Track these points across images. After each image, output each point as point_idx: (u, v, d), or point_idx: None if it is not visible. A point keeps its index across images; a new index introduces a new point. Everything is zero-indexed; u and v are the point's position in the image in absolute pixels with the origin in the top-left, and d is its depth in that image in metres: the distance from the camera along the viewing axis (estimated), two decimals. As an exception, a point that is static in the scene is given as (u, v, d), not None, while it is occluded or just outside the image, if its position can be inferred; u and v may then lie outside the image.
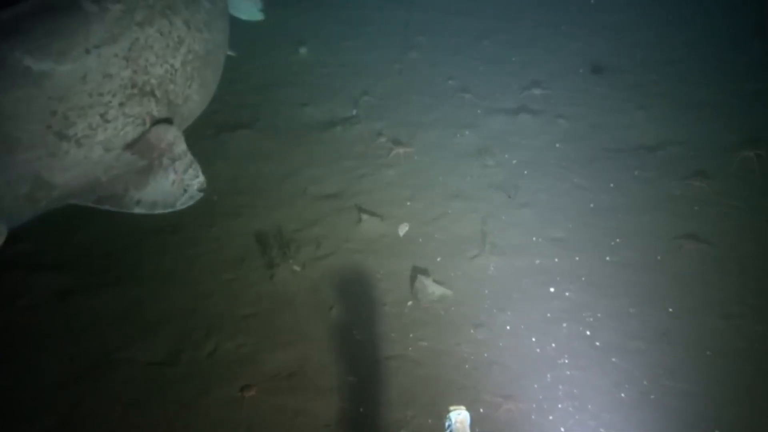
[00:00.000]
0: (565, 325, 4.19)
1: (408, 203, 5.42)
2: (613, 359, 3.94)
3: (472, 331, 4.15)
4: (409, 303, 4.37)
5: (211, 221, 5.09)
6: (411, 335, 4.11)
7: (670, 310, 4.29)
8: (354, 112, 6.86)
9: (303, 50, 8.28)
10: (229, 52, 5.43)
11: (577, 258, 4.78)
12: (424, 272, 4.56)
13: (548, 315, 4.27)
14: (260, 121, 6.57)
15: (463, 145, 6.33)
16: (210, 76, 4.44)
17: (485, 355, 3.97)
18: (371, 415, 3.60)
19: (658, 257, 4.78)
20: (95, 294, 4.36)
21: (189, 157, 3.77)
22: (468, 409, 2.47)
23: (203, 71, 4.17)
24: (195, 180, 3.88)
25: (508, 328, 4.18)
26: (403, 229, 5.03)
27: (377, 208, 5.31)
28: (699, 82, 7.48)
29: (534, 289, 4.50)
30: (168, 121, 3.72)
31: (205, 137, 6.21)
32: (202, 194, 4.11)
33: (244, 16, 4.83)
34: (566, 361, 3.93)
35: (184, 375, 3.82)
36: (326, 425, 3.54)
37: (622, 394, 3.71)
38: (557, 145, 6.33)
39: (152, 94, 3.49)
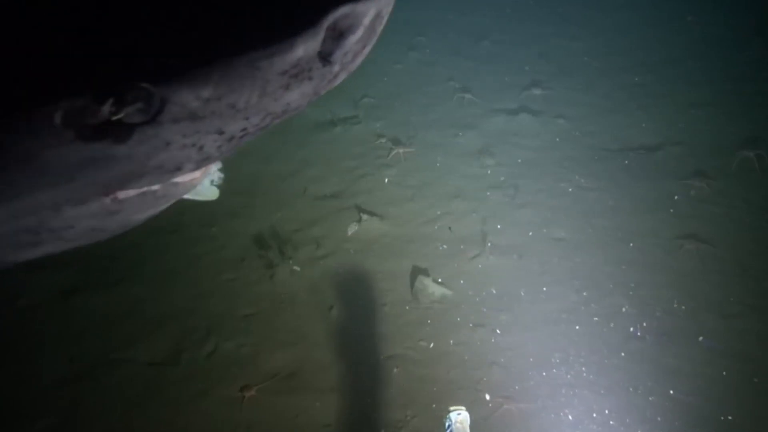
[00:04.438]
0: (565, 325, 4.19)
1: (408, 203, 5.42)
2: (613, 359, 3.94)
3: (472, 331, 4.15)
4: (409, 303, 4.38)
5: (211, 221, 5.10)
6: (411, 335, 4.11)
7: (671, 310, 4.29)
8: (354, 112, 6.87)
9: (303, 50, 8.27)
10: None
11: (577, 258, 4.78)
12: (424, 272, 4.56)
13: (548, 315, 4.27)
14: (260, 121, 6.58)
15: (463, 145, 6.33)
16: None
17: (485, 355, 3.97)
18: (371, 415, 3.60)
19: (659, 257, 4.78)
20: (95, 294, 4.36)
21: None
22: (468, 409, 2.48)
23: None
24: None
25: (508, 328, 4.18)
26: (351, 229, 5.03)
27: (377, 208, 5.31)
28: (699, 82, 7.48)
29: (534, 289, 4.50)
30: None
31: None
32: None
33: (199, 197, 4.61)
34: (566, 361, 3.93)
35: (184, 375, 3.82)
36: (326, 425, 3.54)
37: (623, 395, 3.72)
38: (557, 145, 6.33)
39: None
